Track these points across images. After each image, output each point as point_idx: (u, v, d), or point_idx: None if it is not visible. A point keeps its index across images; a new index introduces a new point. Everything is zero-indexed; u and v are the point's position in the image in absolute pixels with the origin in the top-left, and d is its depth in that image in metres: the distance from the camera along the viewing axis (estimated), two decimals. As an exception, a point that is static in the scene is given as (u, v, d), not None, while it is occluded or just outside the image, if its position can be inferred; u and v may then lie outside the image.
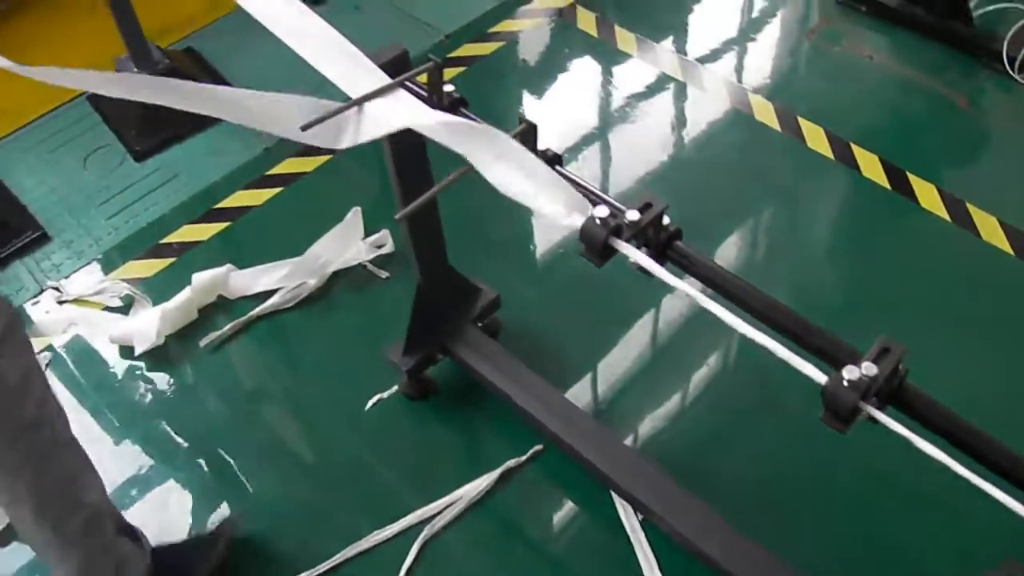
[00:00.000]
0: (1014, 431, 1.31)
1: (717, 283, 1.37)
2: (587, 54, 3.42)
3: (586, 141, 3.10)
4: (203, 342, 2.55)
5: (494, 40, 3.49)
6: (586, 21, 3.54)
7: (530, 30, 3.54)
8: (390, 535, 2.13)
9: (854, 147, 2.95)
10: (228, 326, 2.57)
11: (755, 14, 3.57)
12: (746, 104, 3.15)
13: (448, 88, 1.61)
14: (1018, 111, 3.09)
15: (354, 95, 1.47)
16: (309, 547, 2.12)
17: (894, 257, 2.66)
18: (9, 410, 1.52)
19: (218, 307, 2.63)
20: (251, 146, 3.09)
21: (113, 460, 2.33)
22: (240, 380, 2.50)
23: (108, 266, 2.79)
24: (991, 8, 3.27)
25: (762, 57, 3.37)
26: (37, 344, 2.53)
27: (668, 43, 3.43)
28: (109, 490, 1.86)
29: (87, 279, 2.75)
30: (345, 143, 1.45)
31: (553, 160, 1.48)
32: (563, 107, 3.24)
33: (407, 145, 1.79)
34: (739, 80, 3.26)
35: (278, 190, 2.96)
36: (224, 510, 2.23)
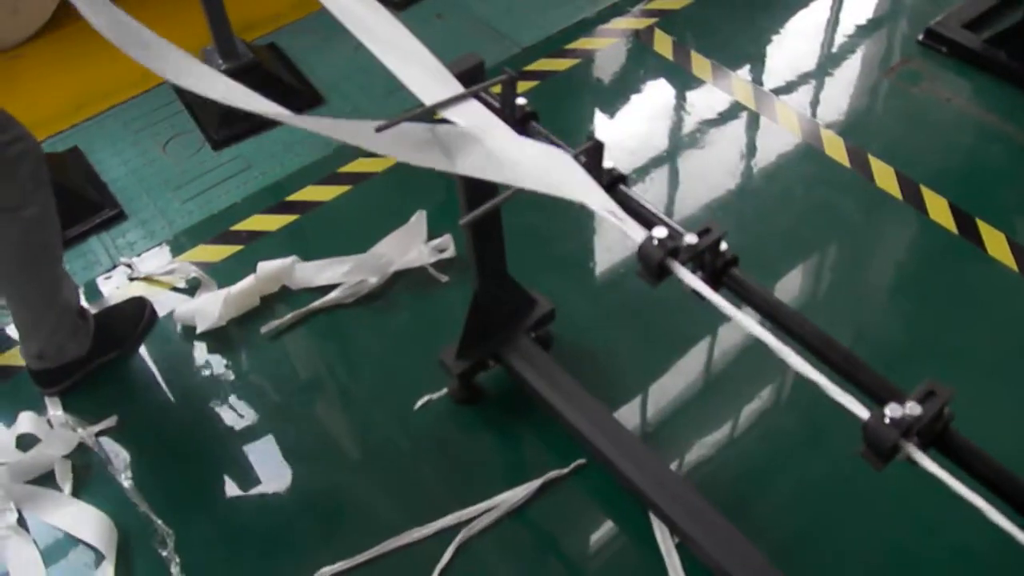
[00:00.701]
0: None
1: (769, 312, 1.37)
2: (661, 77, 3.44)
3: (654, 163, 3.11)
4: (263, 329, 2.62)
5: (570, 56, 3.53)
6: (663, 44, 3.56)
7: (606, 49, 3.56)
8: (427, 534, 2.16)
9: (923, 189, 2.92)
10: (288, 316, 2.64)
11: (834, 49, 3.55)
12: (817, 138, 3.14)
13: (520, 101, 1.64)
14: (1097, 165, 3.02)
15: (428, 102, 1.51)
16: (347, 538, 2.17)
17: (956, 303, 2.63)
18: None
19: (280, 297, 2.71)
20: (323, 144, 3.17)
21: (159, 437, 2.42)
22: (295, 369, 2.57)
23: (179, 248, 2.89)
24: (1077, 58, 3.21)
25: (837, 92, 3.35)
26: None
27: (744, 72, 3.43)
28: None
29: (158, 259, 2.85)
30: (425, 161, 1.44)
31: (617, 180, 1.51)
32: (634, 128, 3.26)
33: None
34: (812, 114, 3.25)
35: (347, 188, 3.03)
36: (267, 494, 2.29)
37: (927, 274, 2.75)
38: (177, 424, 2.45)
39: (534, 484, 2.23)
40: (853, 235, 2.86)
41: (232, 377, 2.54)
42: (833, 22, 3.70)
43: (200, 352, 2.61)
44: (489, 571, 2.13)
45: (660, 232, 1.30)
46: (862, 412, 1.13)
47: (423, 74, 1.57)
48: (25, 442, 2.39)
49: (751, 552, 1.94)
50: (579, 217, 2.89)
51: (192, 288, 2.76)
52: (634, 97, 3.38)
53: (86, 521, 2.23)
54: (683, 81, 3.41)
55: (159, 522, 2.22)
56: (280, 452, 2.38)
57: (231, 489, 2.32)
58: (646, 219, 1.43)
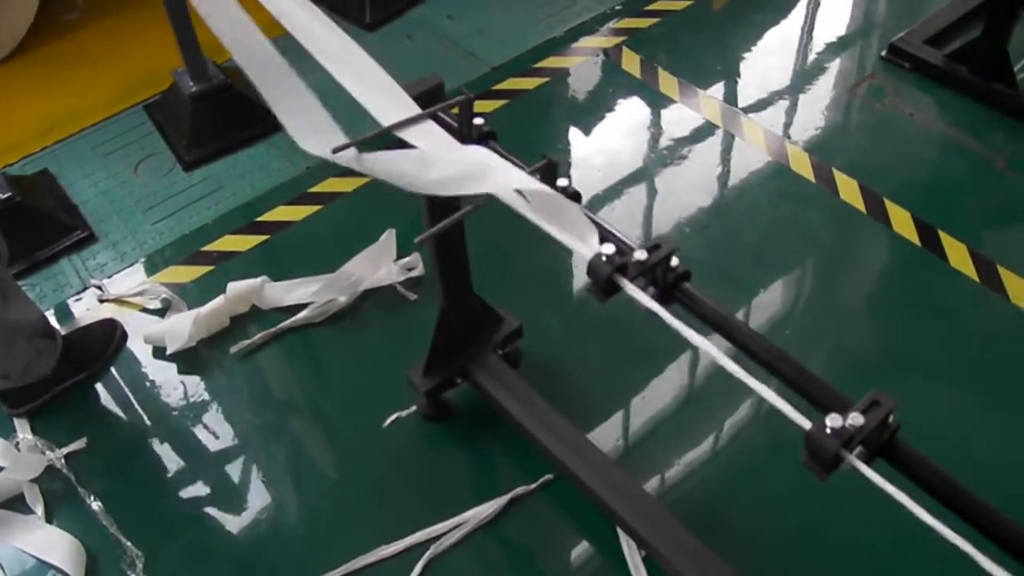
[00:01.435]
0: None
1: (721, 326, 1.40)
2: (630, 95, 3.48)
3: (623, 181, 3.14)
4: (233, 349, 2.63)
5: (539, 75, 3.57)
6: (631, 62, 3.60)
7: (575, 68, 3.61)
8: (397, 551, 2.17)
9: (887, 202, 2.96)
10: (258, 335, 2.65)
11: (800, 66, 3.61)
12: (783, 155, 3.18)
13: (478, 121, 1.67)
14: (1057, 177, 3.08)
15: (385, 124, 1.53)
16: (316, 556, 2.17)
17: (919, 313, 2.66)
18: None
19: (250, 316, 2.72)
20: (294, 163, 3.19)
21: (129, 458, 2.41)
22: (265, 388, 2.57)
23: (150, 269, 2.89)
24: (1036, 72, 3.28)
25: (803, 109, 3.40)
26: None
27: (711, 90, 3.48)
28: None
29: (128, 280, 2.86)
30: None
31: (572, 197, 1.53)
32: (602, 146, 3.29)
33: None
34: (778, 130, 3.29)
35: (317, 208, 3.05)
36: (238, 514, 2.29)
37: (891, 285, 2.79)
38: (147, 446, 2.45)
39: (502, 500, 2.24)
40: (818, 249, 2.90)
41: (202, 397, 2.55)
42: (799, 40, 3.75)
43: (170, 373, 2.61)
44: (458, 587, 2.14)
45: (608, 248, 1.32)
46: (804, 422, 1.16)
47: (381, 96, 1.60)
48: (-8, 466, 2.38)
49: (717, 564, 1.96)
50: (547, 234, 2.91)
51: (163, 309, 2.76)
52: (603, 115, 3.42)
53: (54, 544, 2.23)
54: (651, 99, 3.45)
55: (128, 544, 2.22)
56: (250, 472, 2.38)
57: (200, 510, 2.32)
58: (600, 235, 1.46)
